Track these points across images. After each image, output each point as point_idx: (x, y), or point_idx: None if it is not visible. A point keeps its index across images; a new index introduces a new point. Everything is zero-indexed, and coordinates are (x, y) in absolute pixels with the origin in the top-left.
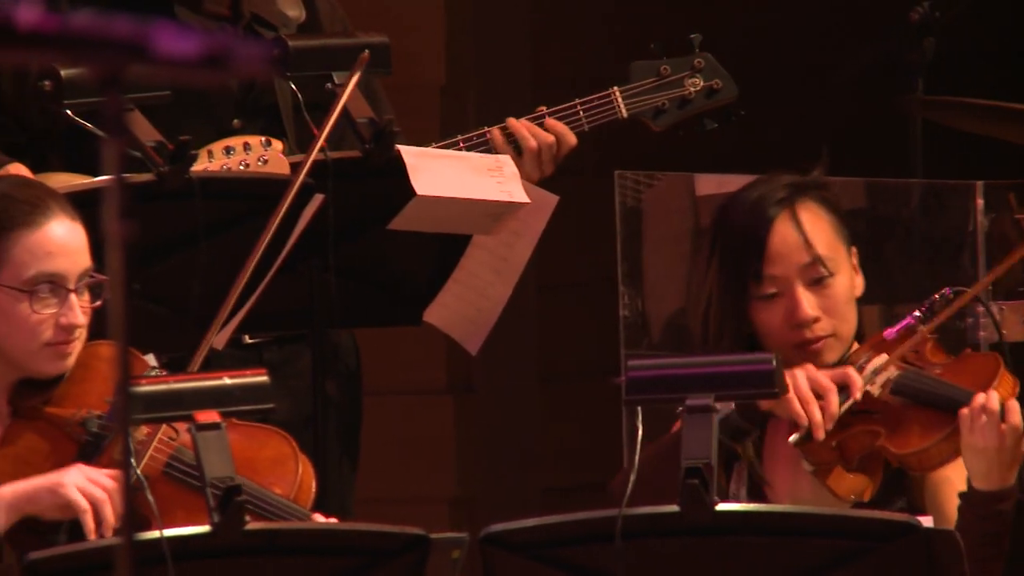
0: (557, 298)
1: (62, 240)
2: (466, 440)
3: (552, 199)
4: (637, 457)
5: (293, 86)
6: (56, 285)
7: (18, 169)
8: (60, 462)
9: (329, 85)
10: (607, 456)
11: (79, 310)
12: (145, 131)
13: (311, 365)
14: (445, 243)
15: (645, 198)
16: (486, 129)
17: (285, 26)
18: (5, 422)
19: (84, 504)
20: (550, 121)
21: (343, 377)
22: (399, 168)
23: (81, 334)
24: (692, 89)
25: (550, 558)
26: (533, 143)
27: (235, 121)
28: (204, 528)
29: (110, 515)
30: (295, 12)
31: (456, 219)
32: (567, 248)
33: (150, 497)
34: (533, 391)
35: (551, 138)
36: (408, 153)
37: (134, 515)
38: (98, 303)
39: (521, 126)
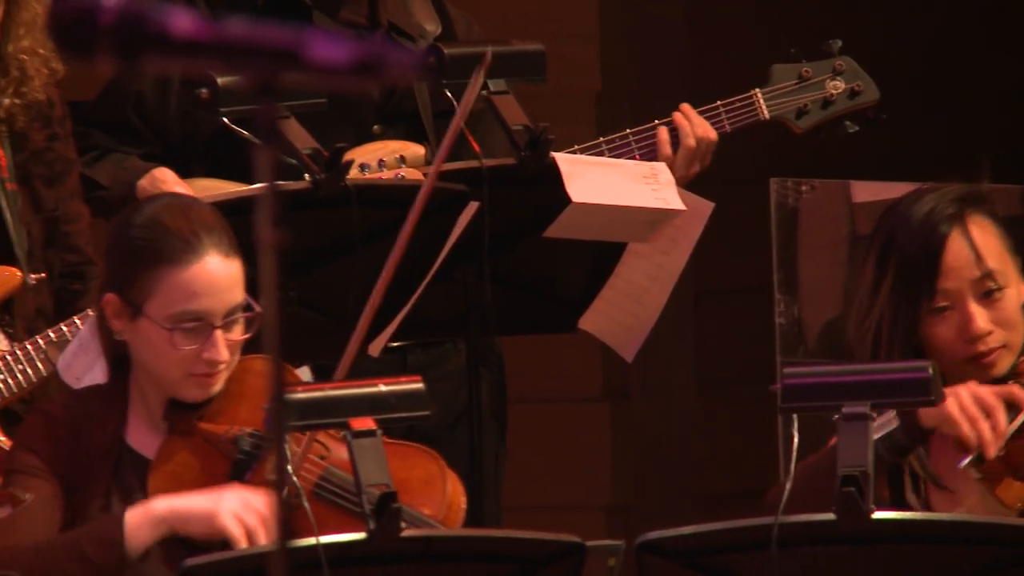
0: (713, 305)
1: (211, 280)
2: (622, 447)
3: (708, 206)
4: (793, 465)
5: (449, 93)
6: (202, 323)
7: (164, 174)
8: (212, 479)
9: (484, 92)
10: (763, 463)
11: (223, 346)
12: (301, 138)
13: (456, 370)
14: (600, 250)
15: (801, 205)
16: (656, 121)
17: (422, 37)
18: (160, 438)
19: (238, 533)
20: (697, 120)
21: (488, 384)
22: (554, 175)
23: (228, 364)
24: (834, 91)
25: (706, 566)
26: (692, 141)
27: (375, 127)
28: (360, 535)
29: (263, 543)
30: (432, 26)
31: (612, 226)
32: (723, 255)
33: (307, 505)
34: (689, 398)
35: (714, 134)
36: (563, 160)
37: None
38: (248, 335)
39: (686, 123)
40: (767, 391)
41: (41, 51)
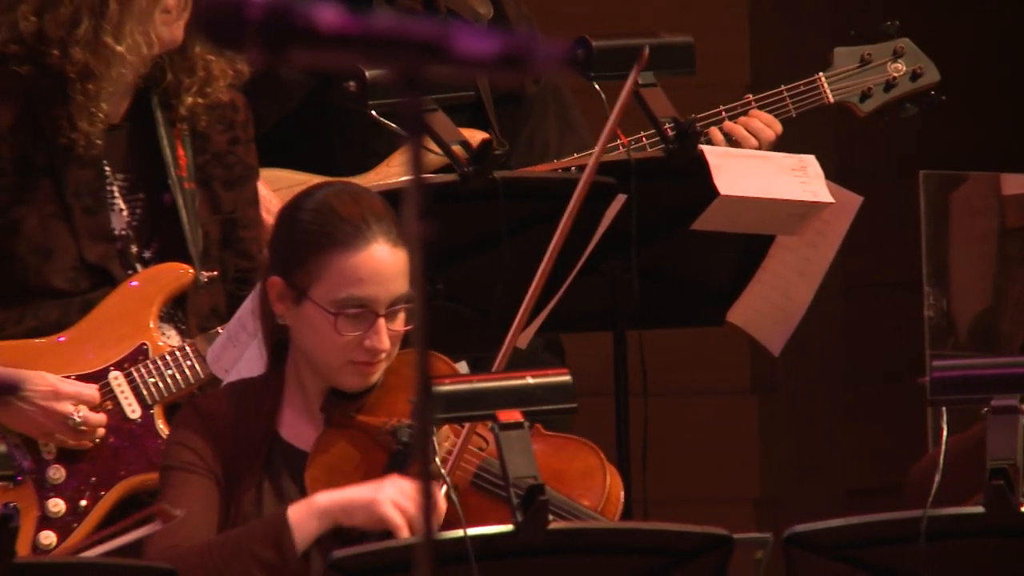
0: (862, 299)
1: (378, 267)
2: (770, 440)
3: (856, 200)
4: (942, 458)
5: (597, 86)
6: (365, 310)
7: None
8: (371, 471)
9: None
10: (911, 457)
11: (385, 335)
12: (448, 131)
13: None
14: (748, 243)
15: (951, 198)
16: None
17: (476, 20)
18: (315, 430)
19: (399, 521)
20: (756, 112)
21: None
22: (702, 168)
23: (388, 354)
24: (895, 73)
25: (854, 559)
26: (754, 142)
27: None
28: (507, 527)
29: None
30: (484, 9)
31: (760, 219)
32: (872, 249)
33: (455, 498)
34: (837, 391)
35: (771, 135)
36: (711, 153)
37: (442, 522)
38: (410, 327)
39: (739, 128)
40: (916, 384)
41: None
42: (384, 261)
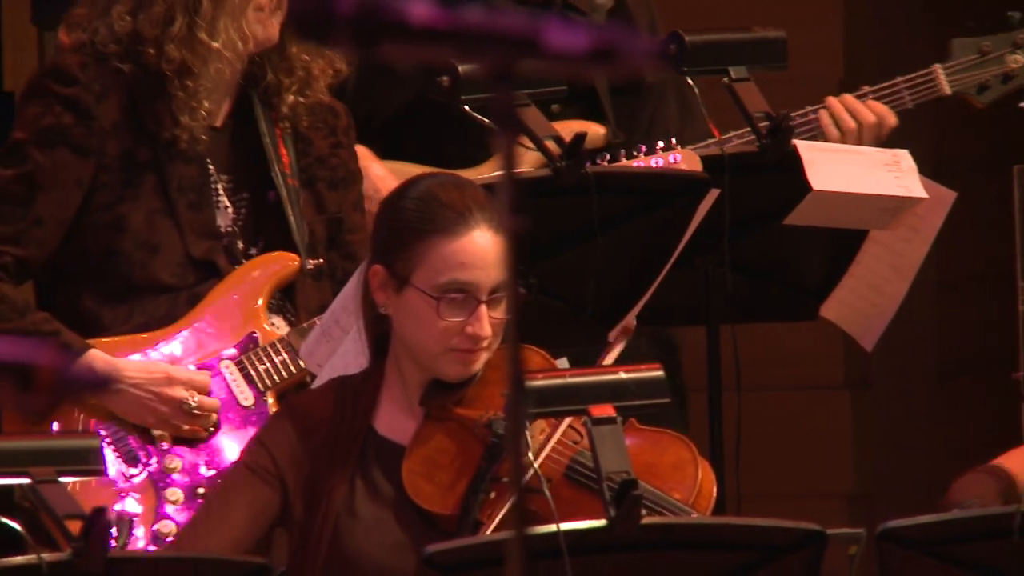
0: (955, 294)
1: (480, 252)
2: (863, 435)
3: (950, 195)
4: None
5: (690, 80)
6: (467, 295)
7: (360, 150)
8: (467, 463)
9: (725, 80)
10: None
11: (486, 322)
12: (541, 126)
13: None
14: (841, 238)
15: None
16: (809, 108)
17: (594, 12)
18: (412, 424)
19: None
20: (870, 102)
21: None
22: (795, 163)
23: (489, 344)
24: (1014, 65)
25: (946, 555)
26: (852, 124)
27: (554, 106)
28: (600, 522)
29: None
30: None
31: (853, 214)
32: (965, 244)
33: (547, 492)
34: (931, 386)
35: (872, 117)
36: (804, 148)
37: (534, 516)
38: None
39: (840, 107)
40: (1009, 379)
41: (327, 52)
42: (486, 247)
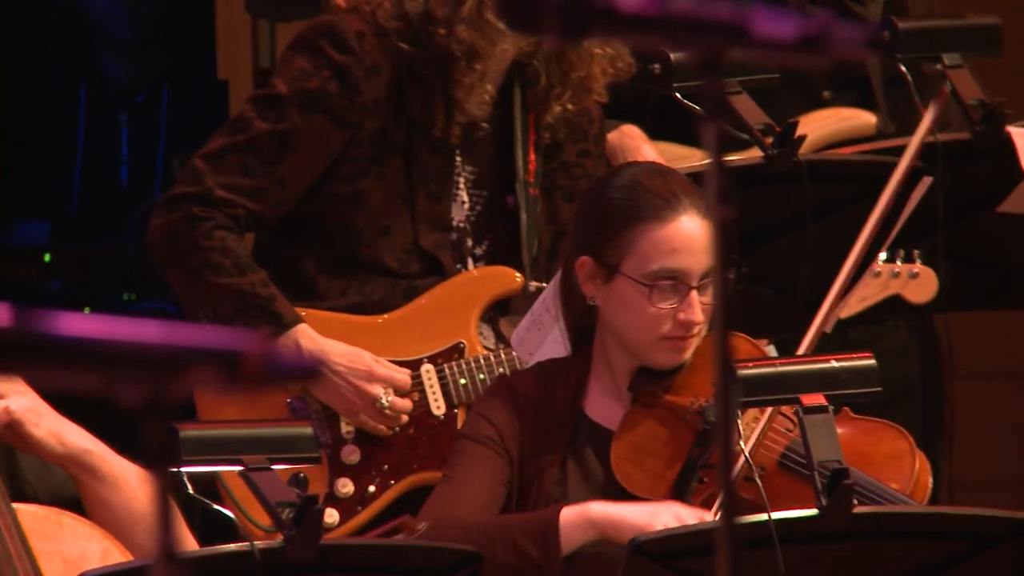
0: None
1: (689, 237)
2: None
3: None
4: None
5: (903, 68)
6: (678, 282)
7: (632, 129)
8: (677, 450)
9: (939, 67)
10: None
11: (698, 308)
12: (753, 113)
13: (895, 347)
14: None
15: None
16: None
17: (872, 1)
18: (621, 409)
19: None
20: None
21: (921, 362)
22: (1009, 150)
23: (700, 330)
24: None
25: None
26: None
27: (825, 93)
28: (811, 511)
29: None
30: None
31: None
32: None
33: (757, 480)
34: None
35: None
36: (1019, 135)
37: (746, 504)
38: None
39: None
40: None
41: (607, 50)
42: (694, 233)
